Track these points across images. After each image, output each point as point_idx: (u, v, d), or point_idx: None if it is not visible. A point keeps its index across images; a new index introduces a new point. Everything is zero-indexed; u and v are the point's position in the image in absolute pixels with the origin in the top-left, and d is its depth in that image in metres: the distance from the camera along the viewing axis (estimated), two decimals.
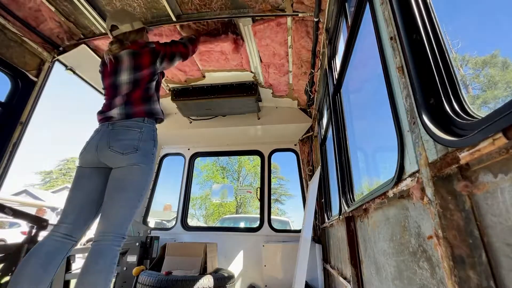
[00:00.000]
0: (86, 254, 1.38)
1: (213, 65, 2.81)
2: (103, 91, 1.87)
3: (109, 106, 1.70)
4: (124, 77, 1.72)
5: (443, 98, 0.65)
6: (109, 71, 1.78)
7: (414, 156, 0.75)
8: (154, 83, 1.80)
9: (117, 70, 1.74)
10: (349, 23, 1.48)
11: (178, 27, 2.30)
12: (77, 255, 3.00)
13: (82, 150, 1.66)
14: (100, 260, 1.34)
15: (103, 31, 2.36)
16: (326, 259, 2.94)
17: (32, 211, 16.09)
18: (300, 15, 2.08)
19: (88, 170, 1.62)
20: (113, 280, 2.91)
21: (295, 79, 3.01)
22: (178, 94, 3.22)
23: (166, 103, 3.58)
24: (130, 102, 1.67)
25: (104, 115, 1.68)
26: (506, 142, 0.41)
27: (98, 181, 1.60)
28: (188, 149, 4.21)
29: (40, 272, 1.29)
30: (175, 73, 3.00)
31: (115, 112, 1.65)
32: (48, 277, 1.32)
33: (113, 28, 1.86)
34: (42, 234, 1.96)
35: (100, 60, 2.65)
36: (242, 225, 7.83)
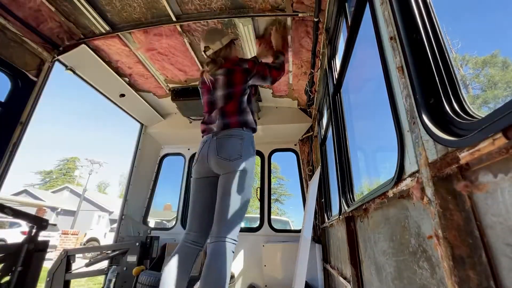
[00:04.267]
0: (86, 254, 1.40)
1: None
2: (203, 107, 2.03)
3: (209, 119, 1.89)
4: (220, 93, 1.90)
5: (443, 98, 0.65)
6: (207, 89, 1.96)
7: (414, 156, 0.75)
8: (246, 96, 1.93)
9: (215, 87, 1.93)
10: (349, 23, 1.48)
11: (178, 27, 2.30)
12: (77, 255, 3.00)
13: (195, 162, 1.87)
14: (218, 260, 1.48)
15: (103, 31, 2.36)
16: (326, 259, 2.94)
17: (32, 211, 16.10)
18: (300, 15, 2.08)
19: (202, 181, 1.81)
20: (113, 280, 2.91)
21: (295, 79, 3.01)
22: (178, 94, 3.22)
23: (166, 103, 3.58)
24: (225, 114, 1.82)
25: (207, 127, 1.88)
26: (506, 142, 0.41)
27: (210, 190, 1.79)
28: (188, 149, 4.21)
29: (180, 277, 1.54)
30: (175, 73, 3.00)
31: (215, 125, 1.82)
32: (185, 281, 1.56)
33: (206, 49, 2.00)
34: (42, 234, 1.96)
35: (100, 59, 2.67)
36: (242, 225, 7.83)
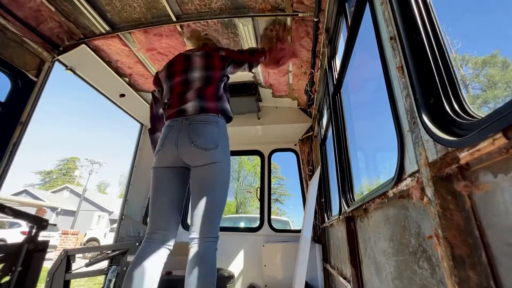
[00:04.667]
0: (86, 254, 1.38)
1: None
2: (168, 91, 1.79)
3: (180, 101, 1.63)
4: (197, 74, 1.73)
5: (443, 98, 0.65)
6: (180, 69, 1.77)
7: (414, 156, 0.75)
8: (223, 84, 1.79)
9: (191, 67, 1.76)
10: (349, 23, 1.48)
11: (178, 27, 2.30)
12: (77, 255, 3.00)
13: (158, 148, 1.57)
14: (206, 262, 1.35)
15: (103, 31, 2.36)
16: (326, 259, 2.94)
17: (32, 211, 16.10)
18: (300, 15, 2.08)
19: (168, 171, 1.54)
20: (113, 280, 2.91)
21: (295, 79, 3.01)
22: None
23: None
24: (204, 97, 1.63)
25: (175, 110, 1.60)
26: (506, 142, 0.41)
27: (178, 182, 1.56)
28: None
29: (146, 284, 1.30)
30: None
31: (188, 106, 1.58)
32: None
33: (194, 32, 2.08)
34: (42, 234, 1.95)
35: (100, 59, 2.67)
36: (242, 225, 7.83)
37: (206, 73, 1.73)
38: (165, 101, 1.75)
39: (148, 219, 1.51)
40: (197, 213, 1.43)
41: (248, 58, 2.03)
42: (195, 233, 1.40)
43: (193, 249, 1.37)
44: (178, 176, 1.57)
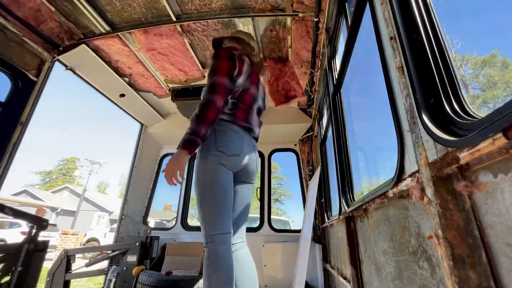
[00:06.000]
0: (86, 254, 1.38)
1: None
2: (243, 94, 1.64)
3: (251, 120, 1.64)
4: (259, 96, 1.76)
5: (443, 98, 0.65)
6: (255, 82, 1.70)
7: (414, 156, 0.75)
8: None
9: (258, 88, 1.74)
10: (349, 23, 1.48)
11: (178, 27, 2.30)
12: (77, 255, 3.00)
13: (235, 152, 1.51)
14: (251, 260, 1.56)
15: (103, 31, 2.36)
16: (326, 259, 2.94)
17: (32, 211, 16.10)
18: (300, 15, 2.08)
19: (231, 176, 1.54)
20: (113, 280, 2.91)
21: None
22: (178, 94, 3.22)
23: (166, 103, 3.58)
24: (260, 124, 1.78)
25: (249, 125, 1.62)
26: (506, 142, 0.41)
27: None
28: None
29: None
30: (175, 73, 3.00)
31: (256, 130, 1.70)
32: None
33: (252, 49, 1.81)
34: (42, 234, 1.95)
35: (100, 59, 2.67)
36: None
37: (263, 104, 1.81)
38: (234, 100, 1.61)
39: (217, 217, 1.44)
40: (241, 220, 1.64)
41: None
42: (241, 236, 1.61)
43: (244, 250, 1.58)
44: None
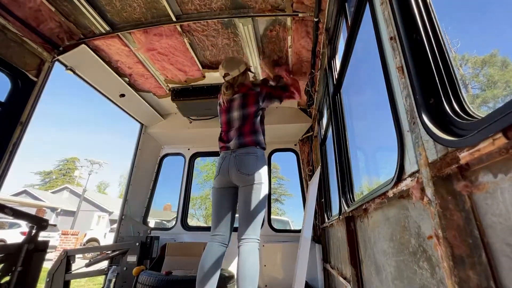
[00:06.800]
0: (86, 254, 1.39)
1: None
2: (220, 125, 2.28)
3: (227, 137, 2.15)
4: (236, 113, 2.15)
5: (443, 98, 0.65)
6: (225, 109, 2.22)
7: (414, 156, 0.75)
8: (259, 118, 2.19)
9: (232, 108, 2.18)
10: (349, 23, 1.48)
11: (178, 27, 2.30)
12: (77, 256, 3.00)
13: (216, 175, 2.08)
14: (251, 257, 1.75)
15: (103, 31, 2.36)
16: (326, 259, 2.94)
17: (32, 211, 16.09)
18: (300, 15, 2.08)
19: (224, 190, 2.05)
20: (113, 280, 2.91)
21: None
22: (178, 94, 3.22)
23: (166, 103, 3.58)
24: (242, 134, 2.07)
25: (225, 144, 2.12)
26: (506, 142, 0.41)
27: (231, 198, 2.05)
28: (188, 149, 4.21)
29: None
30: (175, 73, 3.00)
31: (232, 143, 2.06)
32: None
33: (225, 75, 2.25)
34: (42, 235, 1.96)
35: (100, 59, 2.67)
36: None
37: (243, 112, 2.13)
38: (221, 131, 2.23)
39: (211, 224, 2.01)
40: (243, 221, 1.88)
41: (280, 94, 2.37)
42: (242, 235, 1.83)
43: (242, 247, 1.79)
44: (230, 193, 2.05)
